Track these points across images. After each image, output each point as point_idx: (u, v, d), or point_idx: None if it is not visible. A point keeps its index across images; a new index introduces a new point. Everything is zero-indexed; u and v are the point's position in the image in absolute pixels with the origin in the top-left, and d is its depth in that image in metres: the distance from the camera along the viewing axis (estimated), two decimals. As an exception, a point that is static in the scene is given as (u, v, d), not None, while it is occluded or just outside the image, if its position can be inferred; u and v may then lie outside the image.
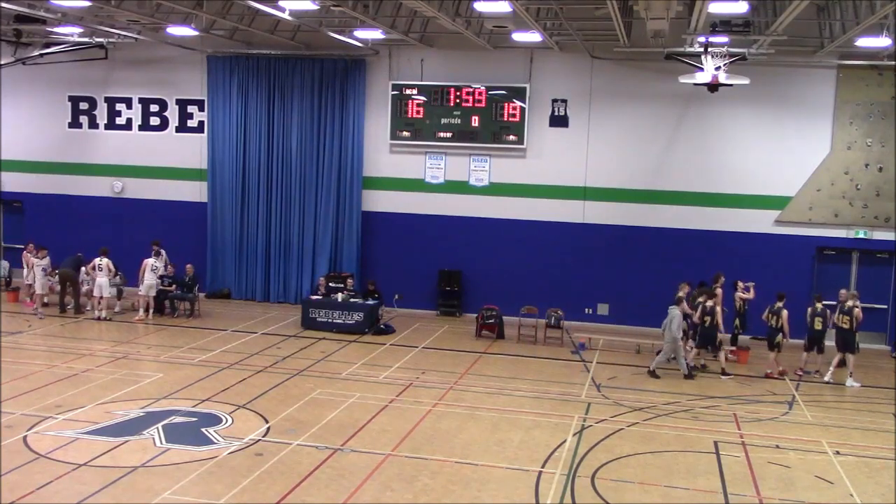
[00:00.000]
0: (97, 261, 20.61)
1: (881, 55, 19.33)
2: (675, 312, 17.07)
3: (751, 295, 19.04)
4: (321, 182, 23.17)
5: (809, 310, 17.84)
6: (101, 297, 20.59)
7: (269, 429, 13.01)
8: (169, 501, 10.20)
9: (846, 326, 17.07)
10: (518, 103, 21.93)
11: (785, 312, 17.32)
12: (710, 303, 17.50)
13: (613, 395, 15.72)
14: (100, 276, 20.47)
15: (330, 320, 20.28)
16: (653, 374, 17.09)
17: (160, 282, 21.08)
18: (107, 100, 24.49)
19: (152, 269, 20.76)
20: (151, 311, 20.94)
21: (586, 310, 22.13)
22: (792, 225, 21.11)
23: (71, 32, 21.78)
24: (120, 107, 24.42)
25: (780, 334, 17.33)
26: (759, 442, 13.32)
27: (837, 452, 12.99)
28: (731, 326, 19.12)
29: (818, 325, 17.34)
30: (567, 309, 20.77)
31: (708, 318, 17.36)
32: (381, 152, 23.02)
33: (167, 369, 16.27)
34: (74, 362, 16.49)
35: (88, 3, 17.65)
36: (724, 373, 17.38)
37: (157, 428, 12.75)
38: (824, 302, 17.60)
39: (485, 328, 20.51)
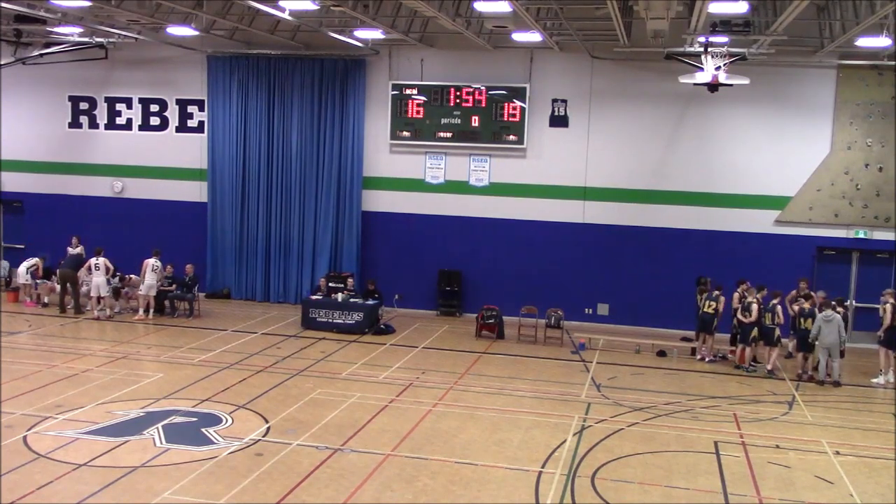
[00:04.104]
0: (93, 260, 20.61)
1: (881, 55, 19.34)
2: (837, 317, 16.96)
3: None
4: (321, 182, 23.16)
5: (796, 308, 17.87)
6: (100, 297, 20.60)
7: (269, 429, 13.01)
8: (169, 501, 10.20)
9: None
10: (518, 103, 21.93)
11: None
12: (774, 301, 17.89)
13: (613, 395, 15.72)
14: (97, 276, 20.47)
15: (330, 320, 20.27)
16: (836, 384, 17.05)
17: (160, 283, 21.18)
18: (107, 100, 24.49)
19: (153, 269, 20.77)
20: (151, 310, 20.95)
21: (586, 310, 22.14)
22: (792, 225, 21.12)
23: (71, 32, 21.79)
24: (120, 107, 24.42)
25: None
26: (759, 442, 13.32)
27: (837, 452, 12.99)
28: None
29: (809, 326, 17.36)
30: (567, 309, 20.78)
31: (769, 315, 17.73)
32: (381, 152, 23.02)
33: (167, 369, 16.28)
34: (74, 362, 16.49)
35: (88, 3, 17.64)
36: (767, 370, 17.72)
37: (157, 428, 12.75)
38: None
39: (485, 328, 20.50)
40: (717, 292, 18.61)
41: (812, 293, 18.56)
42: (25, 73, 24.09)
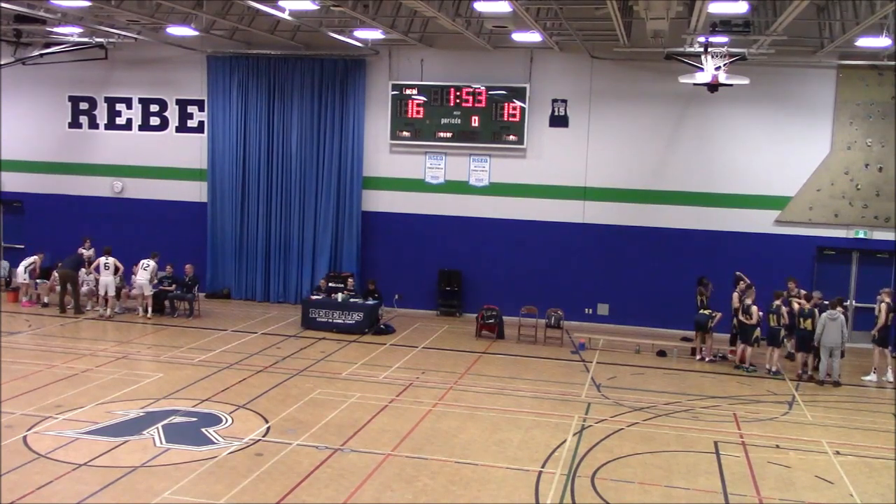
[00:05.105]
0: (102, 260, 20.64)
1: (881, 55, 19.34)
2: (841, 317, 17.00)
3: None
4: (321, 182, 23.16)
5: (797, 307, 17.87)
6: (108, 296, 20.62)
7: (269, 429, 13.01)
8: (169, 501, 10.20)
9: None
10: (518, 103, 21.93)
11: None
12: (777, 302, 17.87)
13: (613, 395, 15.72)
14: (105, 275, 20.50)
15: (330, 320, 20.27)
16: (837, 384, 17.04)
17: (160, 283, 21.17)
18: (107, 100, 24.49)
19: (144, 267, 20.74)
20: (150, 310, 20.94)
21: (586, 310, 22.14)
22: (792, 225, 21.13)
23: (71, 32, 21.79)
24: (120, 107, 24.42)
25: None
26: (759, 442, 13.33)
27: (837, 452, 12.99)
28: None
29: (808, 326, 17.35)
30: (567, 309, 20.78)
31: (773, 317, 17.76)
32: (381, 152, 23.02)
33: (167, 369, 16.28)
34: (74, 362, 16.49)
35: (88, 3, 17.64)
36: (771, 371, 17.70)
37: (157, 428, 12.76)
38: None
39: (485, 328, 20.50)
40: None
41: (808, 293, 18.54)
42: (25, 73, 24.09)
